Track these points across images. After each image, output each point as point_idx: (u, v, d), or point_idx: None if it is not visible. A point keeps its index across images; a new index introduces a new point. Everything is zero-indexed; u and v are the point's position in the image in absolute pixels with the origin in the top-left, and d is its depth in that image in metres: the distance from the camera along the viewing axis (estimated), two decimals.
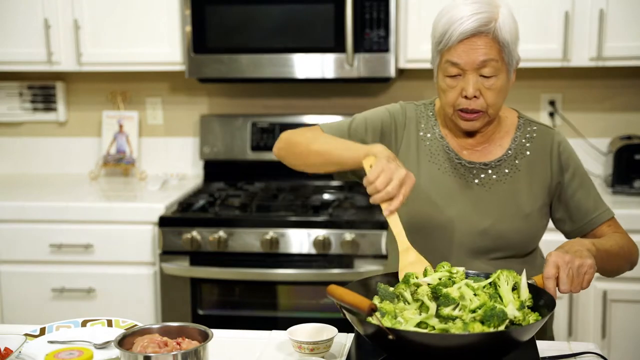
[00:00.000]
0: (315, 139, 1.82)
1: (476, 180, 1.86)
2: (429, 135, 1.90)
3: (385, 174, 1.58)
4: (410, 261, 1.63)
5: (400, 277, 1.61)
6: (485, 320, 1.45)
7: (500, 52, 1.75)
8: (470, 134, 1.87)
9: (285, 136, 1.90)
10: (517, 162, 1.87)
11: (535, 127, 1.91)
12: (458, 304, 1.50)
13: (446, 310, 1.49)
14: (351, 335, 1.76)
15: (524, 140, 1.89)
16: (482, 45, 1.73)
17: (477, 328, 1.44)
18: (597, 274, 1.79)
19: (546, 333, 1.92)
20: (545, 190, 1.86)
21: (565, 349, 1.74)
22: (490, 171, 1.86)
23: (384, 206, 1.60)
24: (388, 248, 2.04)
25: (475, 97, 1.76)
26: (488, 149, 1.88)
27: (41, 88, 3.74)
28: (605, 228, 1.88)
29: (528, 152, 1.88)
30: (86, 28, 3.33)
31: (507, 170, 1.86)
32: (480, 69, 1.75)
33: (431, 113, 1.93)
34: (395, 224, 1.62)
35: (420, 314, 1.50)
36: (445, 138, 1.89)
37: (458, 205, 1.84)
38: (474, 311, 1.49)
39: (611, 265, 1.80)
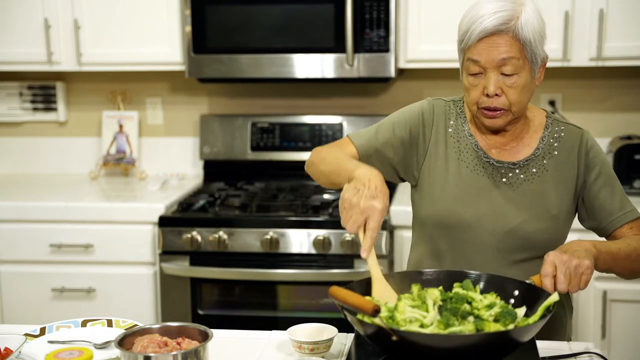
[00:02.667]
0: (326, 160, 1.80)
1: (504, 180, 1.85)
2: (458, 132, 1.90)
3: (345, 210, 1.56)
4: (378, 291, 1.60)
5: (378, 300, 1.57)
6: (500, 318, 1.48)
7: (522, 50, 1.74)
8: (496, 132, 1.86)
9: (313, 153, 1.89)
10: (545, 162, 1.86)
11: (563, 127, 1.89)
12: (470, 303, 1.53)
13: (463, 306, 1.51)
14: (351, 335, 1.76)
15: (552, 140, 1.88)
16: (503, 43, 1.73)
17: (493, 327, 1.45)
18: (601, 274, 1.79)
19: (564, 333, 1.91)
20: (572, 190, 1.85)
21: (565, 349, 1.74)
22: (517, 171, 1.85)
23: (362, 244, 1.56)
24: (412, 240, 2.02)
25: (497, 95, 1.76)
26: (516, 149, 1.88)
27: (41, 88, 3.73)
28: (626, 230, 1.85)
29: (556, 152, 1.87)
30: (86, 28, 3.33)
31: (534, 170, 1.85)
32: (501, 67, 1.74)
33: (460, 110, 1.92)
34: (371, 264, 1.57)
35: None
36: (474, 136, 1.89)
37: (485, 204, 1.83)
38: (489, 307, 1.51)
39: (620, 267, 1.78)
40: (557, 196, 1.84)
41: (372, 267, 1.58)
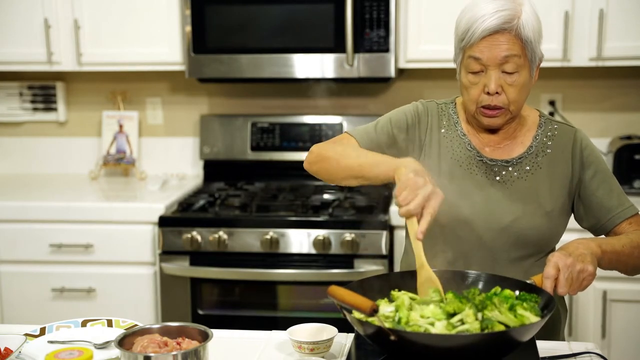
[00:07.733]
0: (346, 154, 1.79)
1: (497, 178, 1.86)
2: (450, 132, 1.91)
3: (409, 189, 1.56)
4: (420, 281, 1.62)
5: (420, 293, 1.60)
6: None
7: (523, 48, 1.75)
8: (492, 130, 1.87)
9: (316, 150, 1.86)
10: (538, 159, 1.87)
11: (556, 125, 1.91)
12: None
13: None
14: (351, 335, 1.76)
15: (545, 139, 1.89)
16: (505, 41, 1.74)
17: (497, 327, 1.46)
18: (601, 273, 1.79)
19: (559, 334, 1.91)
20: (565, 188, 1.86)
21: (565, 349, 1.74)
22: (511, 168, 1.86)
23: (413, 229, 1.57)
24: (405, 243, 2.03)
25: (497, 93, 1.77)
26: (510, 147, 1.89)
27: (41, 88, 3.73)
28: (626, 226, 1.85)
29: (549, 150, 1.88)
30: (86, 28, 3.33)
31: (528, 168, 1.86)
32: (502, 65, 1.76)
33: (453, 111, 1.93)
34: (417, 246, 1.59)
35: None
36: (467, 135, 1.90)
37: (479, 201, 1.84)
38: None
39: (624, 265, 1.78)
40: (551, 193, 1.85)
41: (422, 253, 1.59)
